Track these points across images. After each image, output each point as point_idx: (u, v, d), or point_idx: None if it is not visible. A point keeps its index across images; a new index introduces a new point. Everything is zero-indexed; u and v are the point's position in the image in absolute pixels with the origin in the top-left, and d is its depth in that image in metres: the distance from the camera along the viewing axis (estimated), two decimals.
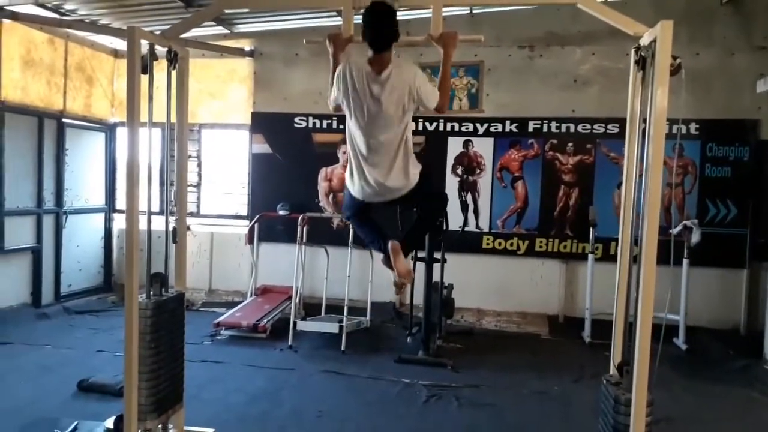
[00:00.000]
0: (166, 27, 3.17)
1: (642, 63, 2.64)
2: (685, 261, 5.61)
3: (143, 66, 2.86)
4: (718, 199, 6.19)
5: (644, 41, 2.63)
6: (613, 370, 2.76)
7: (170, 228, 3.24)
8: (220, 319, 5.79)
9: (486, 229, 6.63)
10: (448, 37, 2.89)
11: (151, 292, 3.03)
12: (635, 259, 2.60)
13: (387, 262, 2.98)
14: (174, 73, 3.16)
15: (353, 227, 3.28)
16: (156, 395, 2.96)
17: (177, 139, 3.28)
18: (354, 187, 2.98)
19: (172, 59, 3.06)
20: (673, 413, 3.94)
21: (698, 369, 5.08)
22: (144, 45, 2.89)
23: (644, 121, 2.60)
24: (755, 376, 4.92)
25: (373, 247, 3.14)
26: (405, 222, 4.23)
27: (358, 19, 2.89)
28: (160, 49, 3.00)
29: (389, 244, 2.94)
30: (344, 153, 6.79)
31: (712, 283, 6.16)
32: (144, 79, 2.87)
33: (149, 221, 3.04)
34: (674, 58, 2.51)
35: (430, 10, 2.92)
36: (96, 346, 5.24)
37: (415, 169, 2.93)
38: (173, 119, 3.22)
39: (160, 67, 2.99)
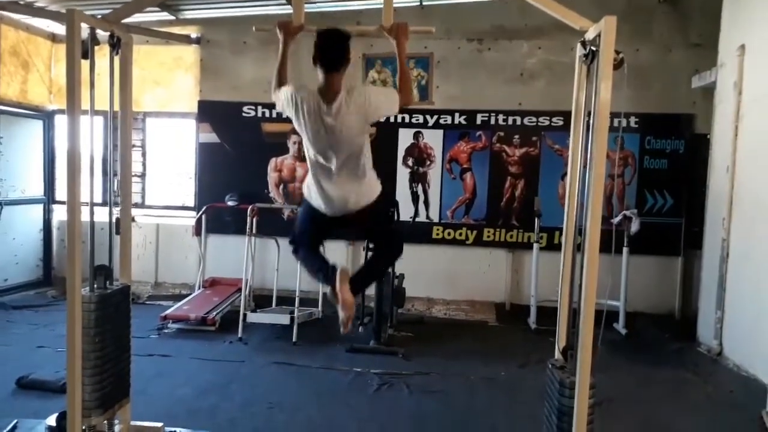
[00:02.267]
0: (108, 12, 3.05)
1: (587, 57, 2.72)
2: (625, 249, 5.84)
3: (84, 51, 2.75)
4: (656, 190, 6.46)
5: (589, 36, 2.71)
6: (558, 355, 2.86)
7: (114, 219, 3.15)
8: (167, 312, 5.67)
9: (436, 219, 6.71)
10: (400, 29, 2.88)
11: (95, 285, 2.94)
12: (579, 248, 2.69)
13: (333, 293, 2.82)
14: (117, 59, 3.06)
15: (299, 255, 3.07)
16: (101, 390, 2.88)
17: (120, 127, 3.17)
18: (312, 198, 2.93)
19: (115, 44, 2.95)
20: (613, 394, 4.10)
21: (636, 352, 5.32)
22: (85, 29, 2.78)
23: (588, 114, 2.69)
24: (688, 358, 5.19)
25: (319, 275, 2.97)
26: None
27: (309, 7, 2.86)
28: (102, 34, 2.89)
29: (338, 269, 2.80)
30: (294, 143, 6.73)
31: (650, 270, 6.44)
32: (85, 65, 2.76)
33: (92, 212, 2.94)
34: (617, 53, 2.60)
35: (382, 1, 2.92)
36: (36, 342, 5.05)
37: (375, 184, 2.92)
38: (116, 107, 3.12)
39: (102, 53, 2.88)
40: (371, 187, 2.91)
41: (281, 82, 2.94)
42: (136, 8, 3.19)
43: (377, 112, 2.79)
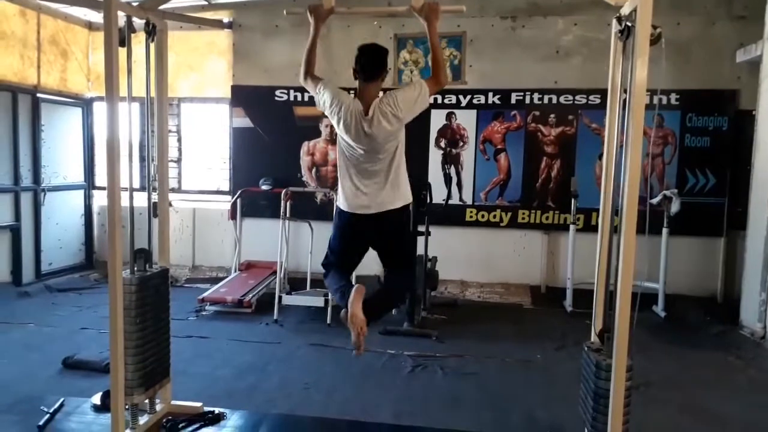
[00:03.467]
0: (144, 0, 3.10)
1: (623, 33, 2.64)
2: (664, 230, 5.71)
3: (121, 39, 2.79)
4: (698, 169, 6.26)
5: (625, 11, 2.63)
6: (594, 338, 2.82)
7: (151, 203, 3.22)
8: (205, 294, 5.79)
9: (469, 201, 6.66)
10: (431, 9, 2.85)
11: (135, 268, 3.01)
12: (616, 229, 2.64)
13: (344, 312, 2.83)
14: (153, 46, 3.10)
15: (328, 281, 3.13)
16: (142, 370, 2.97)
17: (157, 113, 3.24)
18: (343, 200, 2.99)
19: (151, 31, 2.99)
20: (652, 378, 4.05)
21: (676, 335, 5.21)
22: (121, 17, 2.82)
23: (625, 91, 2.61)
24: (731, 341, 5.06)
25: (337, 294, 2.98)
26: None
27: None
28: (138, 22, 2.94)
29: (354, 287, 2.83)
30: (326, 126, 6.74)
31: (691, 251, 6.27)
32: (122, 52, 2.81)
33: (131, 197, 3.01)
34: (654, 27, 2.52)
35: None
36: (80, 324, 5.22)
37: (406, 189, 3.00)
38: (152, 93, 3.17)
39: (138, 41, 2.92)
40: (403, 191, 2.99)
41: (309, 68, 2.99)
42: None
43: (410, 113, 2.86)
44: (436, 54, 2.89)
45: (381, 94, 2.90)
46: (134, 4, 2.99)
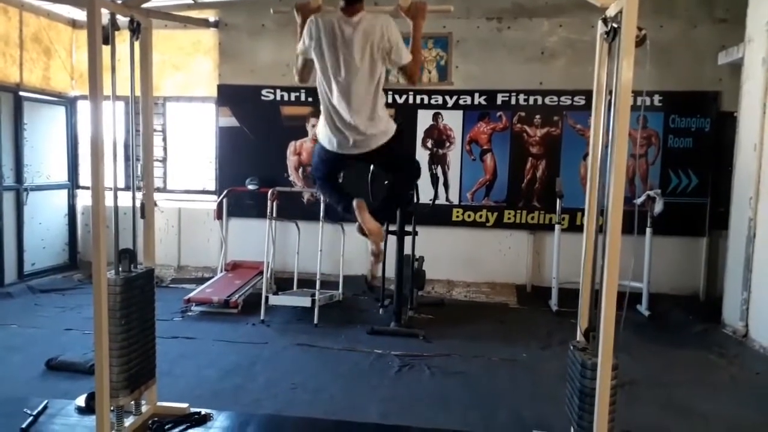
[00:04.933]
0: None
1: (609, 34, 2.66)
2: (648, 230, 5.77)
3: (104, 37, 2.77)
4: (680, 170, 6.34)
5: (611, 12, 2.65)
6: (579, 337, 2.85)
7: (137, 204, 3.19)
8: (191, 295, 5.75)
9: (456, 201, 6.68)
10: (417, 9, 2.85)
11: (120, 269, 2.99)
12: (601, 229, 2.66)
13: (361, 229, 2.92)
14: (137, 44, 3.08)
15: (320, 189, 3.14)
16: (128, 371, 2.95)
17: (142, 112, 3.21)
18: (325, 138, 2.89)
19: (135, 29, 2.97)
20: (636, 376, 4.10)
21: (660, 334, 5.27)
22: (105, 15, 2.80)
23: (610, 92, 2.64)
24: (713, 339, 5.13)
25: (340, 207, 3.03)
26: (376, 191, 4.19)
27: None
28: (122, 20, 2.91)
29: (354, 202, 2.88)
30: (313, 126, 6.72)
31: (674, 251, 6.34)
32: (106, 50, 2.78)
33: (115, 197, 2.99)
34: (639, 29, 2.54)
35: None
36: (64, 325, 5.16)
37: (389, 123, 2.88)
38: (137, 92, 3.14)
39: (122, 39, 2.90)
40: (386, 127, 2.86)
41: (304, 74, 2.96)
42: None
43: (390, 40, 2.73)
44: (417, 54, 2.87)
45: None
46: (118, 1, 2.95)
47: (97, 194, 2.77)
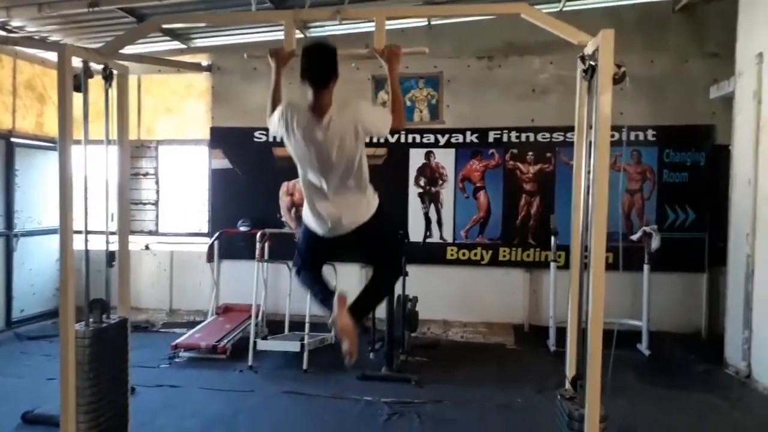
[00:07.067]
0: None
1: (587, 72, 2.62)
2: (645, 267, 5.63)
3: (76, 85, 2.75)
4: (677, 205, 6.25)
5: (588, 50, 2.62)
6: (567, 385, 2.72)
7: (111, 248, 3.13)
8: (179, 341, 5.61)
9: (450, 239, 6.59)
10: (391, 52, 2.81)
11: (90, 319, 2.89)
12: (586, 266, 2.56)
13: (332, 321, 2.69)
14: (112, 91, 3.06)
15: (300, 280, 3.02)
16: (96, 427, 2.82)
17: (118, 157, 3.17)
18: (309, 220, 2.85)
19: (108, 77, 2.95)
20: (634, 421, 3.93)
21: (660, 375, 5.08)
22: (77, 62, 2.78)
23: (590, 127, 2.58)
24: (715, 380, 4.94)
25: (317, 298, 2.90)
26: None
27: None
28: (96, 67, 2.90)
29: (336, 295, 2.71)
30: None
31: (674, 287, 6.20)
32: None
33: (86, 242, 2.92)
34: (618, 66, 2.50)
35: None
36: (47, 374, 5.00)
37: (371, 200, 2.81)
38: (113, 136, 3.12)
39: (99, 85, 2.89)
40: (367, 204, 2.80)
41: (275, 108, 2.88)
42: (127, 41, 3.20)
43: (365, 126, 2.65)
44: (396, 96, 2.84)
45: (336, 101, 2.65)
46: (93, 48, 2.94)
47: (65, 240, 2.71)
